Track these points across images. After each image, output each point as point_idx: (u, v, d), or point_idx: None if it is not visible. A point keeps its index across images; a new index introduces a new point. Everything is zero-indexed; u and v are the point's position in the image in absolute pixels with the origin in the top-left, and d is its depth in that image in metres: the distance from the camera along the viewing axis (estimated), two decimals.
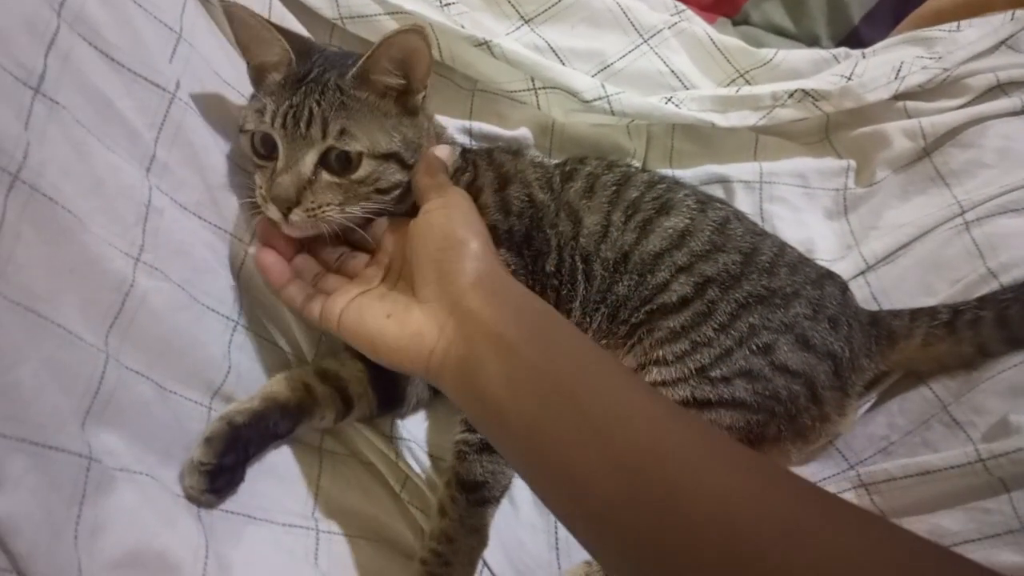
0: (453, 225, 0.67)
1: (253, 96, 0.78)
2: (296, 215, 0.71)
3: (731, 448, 0.50)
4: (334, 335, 0.71)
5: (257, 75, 0.78)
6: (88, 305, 0.62)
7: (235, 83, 0.83)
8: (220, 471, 0.69)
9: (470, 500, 0.77)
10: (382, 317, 0.66)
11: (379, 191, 0.75)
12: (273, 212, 0.71)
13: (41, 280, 0.58)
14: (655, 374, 0.79)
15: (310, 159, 0.71)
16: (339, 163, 0.72)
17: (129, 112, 0.68)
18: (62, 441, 0.56)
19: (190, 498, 0.69)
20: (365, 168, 0.73)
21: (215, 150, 0.75)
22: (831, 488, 0.84)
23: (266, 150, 0.73)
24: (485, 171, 0.89)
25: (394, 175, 0.75)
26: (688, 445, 0.50)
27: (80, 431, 0.59)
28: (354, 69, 0.72)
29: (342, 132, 0.71)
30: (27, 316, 0.56)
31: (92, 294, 0.62)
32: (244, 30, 0.75)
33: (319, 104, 0.71)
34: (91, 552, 0.56)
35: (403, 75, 0.74)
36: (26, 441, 0.54)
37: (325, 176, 0.72)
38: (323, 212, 0.72)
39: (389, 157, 0.74)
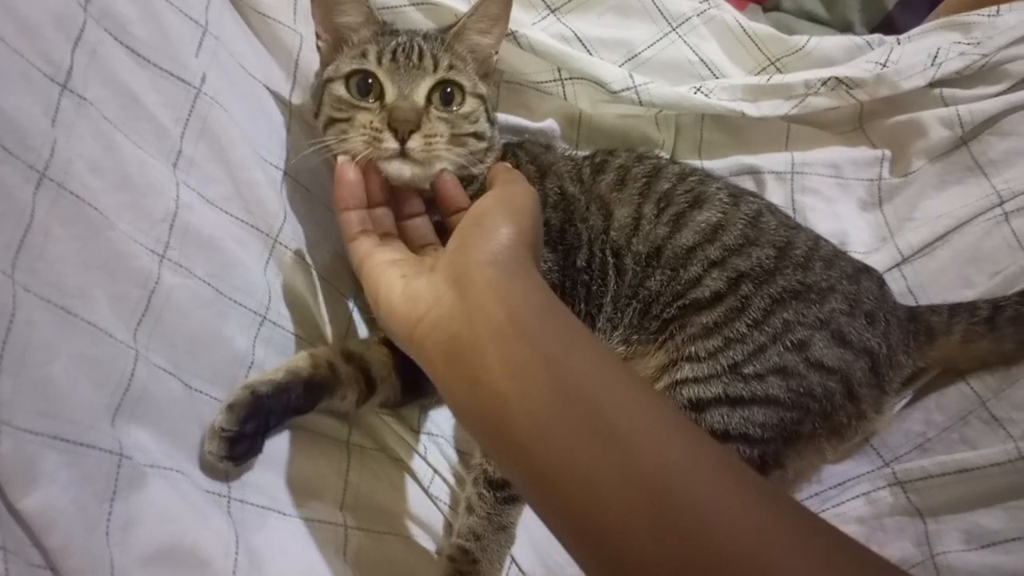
0: (494, 209, 0.63)
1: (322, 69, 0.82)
2: (414, 141, 0.71)
3: (761, 483, 0.47)
4: (354, 268, 0.70)
5: (335, 39, 0.81)
6: (116, 302, 0.62)
7: (261, 76, 0.83)
8: (240, 438, 0.69)
9: (498, 498, 0.77)
10: (397, 275, 0.63)
11: (475, 135, 0.78)
12: (389, 142, 0.71)
13: (71, 277, 0.58)
14: (687, 370, 0.78)
15: (423, 88, 0.75)
16: (445, 99, 0.76)
17: (155, 107, 0.67)
18: (94, 438, 0.56)
19: (208, 465, 0.69)
20: (469, 104, 0.77)
21: (241, 144, 0.75)
22: (866, 486, 0.83)
23: (361, 91, 0.75)
24: (526, 164, 0.88)
25: (483, 121, 0.80)
26: (718, 473, 0.46)
27: (111, 428, 0.59)
28: (457, 25, 0.80)
29: (451, 67, 0.77)
30: (58, 313, 0.56)
31: (120, 291, 0.62)
32: None
33: (427, 43, 0.78)
34: (123, 547, 0.57)
35: (490, 33, 0.81)
36: (58, 438, 0.54)
37: (434, 111, 0.75)
38: (435, 143, 0.72)
39: (482, 100, 0.80)
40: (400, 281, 0.62)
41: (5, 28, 0.55)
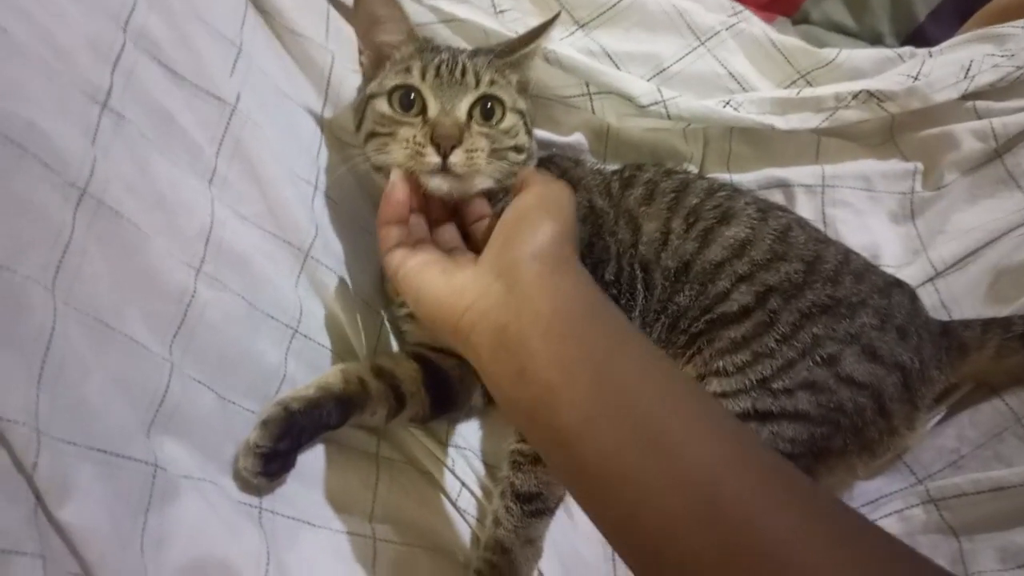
0: (536, 206, 0.64)
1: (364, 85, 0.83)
2: (456, 156, 0.72)
3: (807, 484, 0.47)
4: (388, 279, 0.72)
5: (376, 56, 0.82)
6: (152, 316, 0.63)
7: (293, 95, 0.84)
8: (275, 455, 0.70)
9: (525, 511, 0.77)
10: (437, 272, 0.64)
11: (515, 149, 0.79)
12: (432, 157, 0.72)
13: (107, 292, 0.59)
14: (715, 385, 0.78)
15: (465, 104, 0.75)
16: (486, 114, 0.77)
17: (191, 126, 0.69)
18: (129, 449, 0.58)
19: (242, 480, 0.70)
20: (509, 120, 0.78)
21: (273, 161, 0.76)
22: (899, 503, 0.82)
23: (404, 106, 0.76)
24: (557, 177, 0.88)
25: (523, 135, 0.81)
26: (764, 472, 0.46)
27: (146, 439, 0.60)
28: (517, 54, 0.81)
29: (492, 83, 0.78)
30: (95, 327, 0.58)
31: (156, 305, 0.63)
32: (375, 9, 0.79)
33: (470, 60, 0.79)
34: (157, 560, 0.58)
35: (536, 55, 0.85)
36: (94, 449, 0.55)
37: (475, 126, 0.76)
38: (477, 158, 0.73)
39: (522, 115, 0.81)
40: (441, 276, 0.63)
41: (44, 51, 0.57)
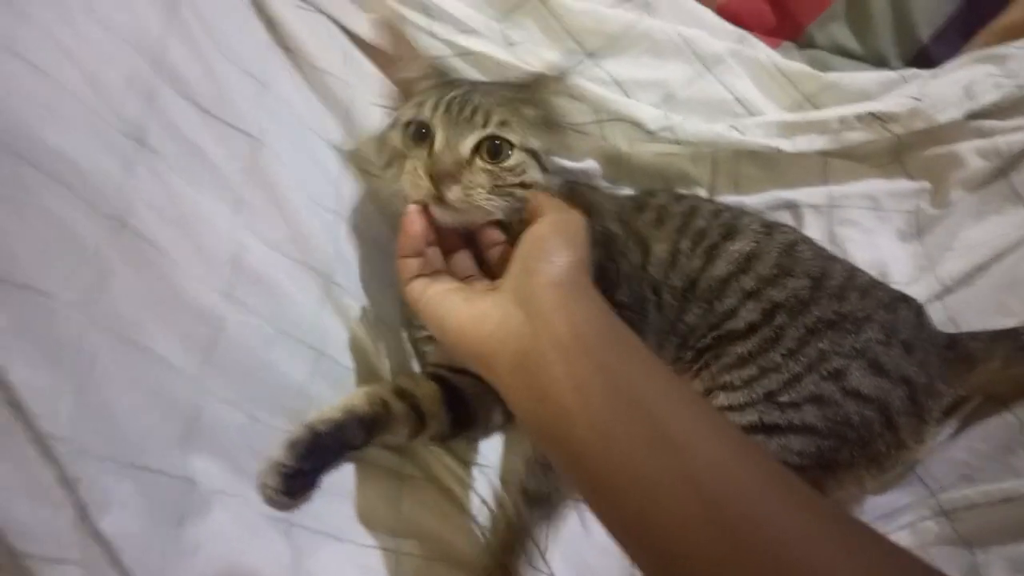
0: (554, 234, 0.67)
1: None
2: (453, 192, 0.74)
3: (808, 490, 0.48)
4: (410, 308, 0.74)
5: (404, 91, 0.87)
6: (184, 338, 0.66)
7: (316, 127, 0.88)
8: (297, 474, 0.73)
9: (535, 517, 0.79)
10: (460, 299, 0.67)
11: (522, 185, 0.79)
12: (427, 189, 0.74)
13: (141, 314, 0.62)
14: (722, 399, 0.80)
15: (469, 142, 0.77)
16: (492, 152, 0.78)
17: (218, 158, 0.72)
18: (164, 464, 0.61)
19: (265, 497, 0.72)
20: (515, 158, 0.79)
21: (296, 189, 0.79)
22: (911, 516, 0.82)
23: (416, 139, 0.79)
24: (577, 204, 0.92)
25: (534, 172, 0.81)
26: (766, 474, 0.48)
27: (180, 455, 0.63)
28: (528, 93, 0.84)
29: (502, 123, 0.79)
30: (131, 349, 0.61)
31: (187, 327, 0.66)
32: (390, 49, 0.84)
33: (484, 98, 0.80)
34: (189, 571, 0.60)
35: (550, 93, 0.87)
36: (132, 465, 0.58)
37: (479, 162, 0.77)
38: (475, 194, 0.75)
39: (533, 154, 0.81)
40: (464, 303, 0.66)
41: (82, 89, 0.60)
